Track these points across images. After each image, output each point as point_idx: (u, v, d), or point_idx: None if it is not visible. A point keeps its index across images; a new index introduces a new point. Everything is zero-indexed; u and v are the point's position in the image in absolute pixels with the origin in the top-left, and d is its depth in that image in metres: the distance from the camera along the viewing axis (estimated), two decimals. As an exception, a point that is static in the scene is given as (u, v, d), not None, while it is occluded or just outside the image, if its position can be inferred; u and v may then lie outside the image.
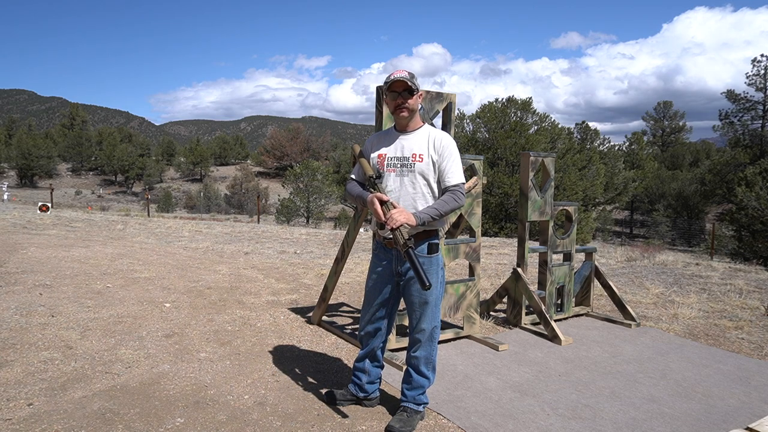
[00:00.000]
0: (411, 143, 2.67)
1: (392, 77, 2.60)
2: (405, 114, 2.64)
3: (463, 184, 2.64)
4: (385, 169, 2.68)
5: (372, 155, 2.75)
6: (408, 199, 2.62)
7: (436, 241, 2.69)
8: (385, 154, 2.70)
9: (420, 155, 2.63)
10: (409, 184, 2.63)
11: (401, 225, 2.42)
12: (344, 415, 2.81)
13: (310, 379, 3.28)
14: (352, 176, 2.86)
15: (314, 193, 31.96)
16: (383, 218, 2.48)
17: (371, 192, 2.62)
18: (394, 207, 2.51)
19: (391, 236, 2.52)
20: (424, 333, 2.71)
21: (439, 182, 2.67)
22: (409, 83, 2.57)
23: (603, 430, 2.78)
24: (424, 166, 2.62)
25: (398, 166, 2.65)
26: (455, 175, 2.62)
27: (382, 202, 2.52)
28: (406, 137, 2.69)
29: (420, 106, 3.69)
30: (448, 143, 2.66)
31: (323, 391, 3.06)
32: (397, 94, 2.61)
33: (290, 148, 69.57)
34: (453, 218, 4.03)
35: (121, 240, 9.45)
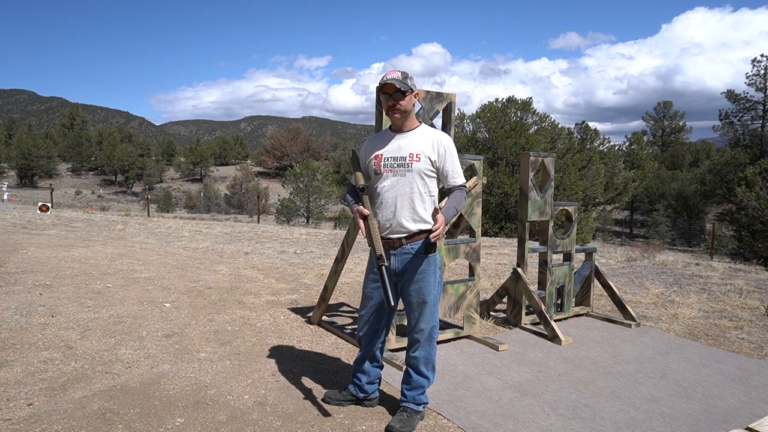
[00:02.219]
0: (408, 143, 2.66)
1: (384, 79, 2.60)
2: (398, 115, 2.64)
3: (465, 184, 2.70)
4: (381, 169, 2.68)
5: (369, 158, 2.74)
6: (405, 198, 2.62)
7: (433, 240, 2.69)
8: (382, 155, 2.69)
9: (417, 155, 2.62)
10: (406, 184, 2.63)
11: (443, 233, 2.53)
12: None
13: (310, 379, 3.28)
14: (351, 181, 2.87)
15: (314, 193, 31.94)
16: (365, 232, 2.64)
17: (357, 204, 2.69)
18: (375, 220, 2.64)
19: (390, 237, 2.66)
20: (422, 333, 2.71)
21: (438, 182, 2.70)
22: (399, 85, 2.57)
23: (603, 430, 2.78)
24: (422, 166, 2.62)
25: (395, 165, 2.65)
26: (459, 175, 2.68)
27: (364, 217, 2.63)
28: (403, 137, 2.69)
29: (420, 106, 3.71)
30: (448, 144, 2.68)
31: (323, 391, 3.07)
32: (388, 96, 2.62)
33: (290, 148, 69.55)
34: (453, 218, 4.02)
35: (121, 240, 9.45)
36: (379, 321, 2.82)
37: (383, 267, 2.49)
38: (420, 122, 2.76)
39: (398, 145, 2.68)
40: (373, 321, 2.81)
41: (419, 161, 2.62)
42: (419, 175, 2.62)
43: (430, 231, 2.69)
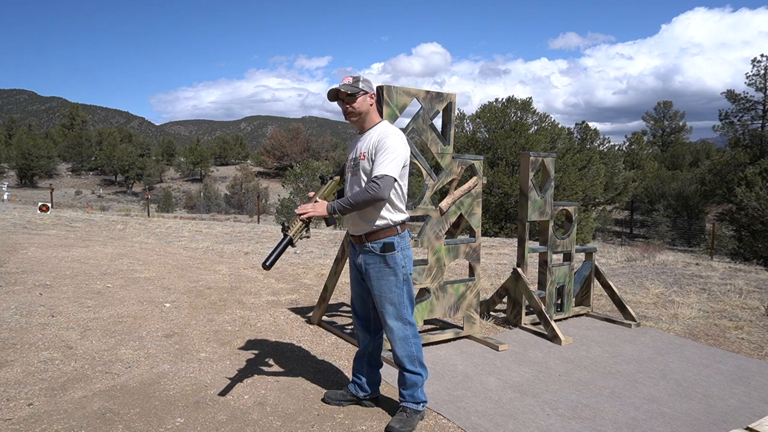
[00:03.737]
0: (362, 143, 2.72)
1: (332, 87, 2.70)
2: (353, 118, 2.71)
3: (388, 176, 2.53)
4: (347, 171, 2.78)
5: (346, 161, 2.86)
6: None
7: (391, 240, 2.66)
8: (349, 157, 2.80)
9: (364, 154, 2.67)
10: (357, 183, 2.68)
11: (307, 215, 2.58)
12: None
13: (310, 379, 3.28)
14: None
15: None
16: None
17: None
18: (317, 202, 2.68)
19: (354, 234, 2.74)
20: (393, 332, 2.71)
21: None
22: (345, 89, 2.62)
23: (603, 430, 2.78)
24: (365, 164, 2.65)
25: (352, 166, 2.74)
26: (380, 166, 2.54)
27: (309, 199, 2.71)
28: (361, 138, 2.76)
29: (420, 107, 3.71)
30: (385, 138, 2.61)
31: (323, 391, 3.07)
32: (342, 102, 2.69)
33: (290, 148, 69.54)
34: (453, 218, 4.02)
35: (121, 240, 9.45)
36: (366, 317, 2.86)
37: (287, 238, 2.57)
38: (381, 120, 2.77)
39: (358, 147, 2.74)
40: (362, 317, 2.88)
41: (364, 159, 2.66)
42: (364, 173, 2.65)
43: (390, 230, 2.66)
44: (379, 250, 2.66)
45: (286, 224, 2.61)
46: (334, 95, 2.71)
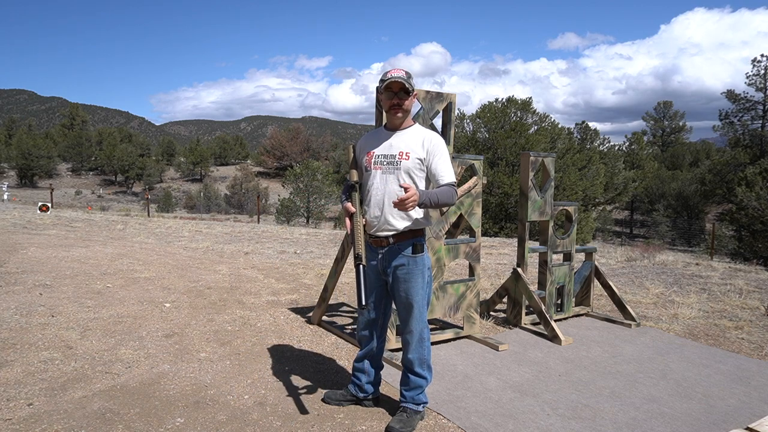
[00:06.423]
0: (399, 141, 2.67)
1: (389, 76, 2.59)
2: (400, 114, 2.65)
3: (456, 183, 2.65)
4: (371, 167, 2.68)
5: (362, 155, 2.76)
6: (393, 196, 2.61)
7: (421, 241, 2.69)
8: (373, 152, 2.70)
9: (407, 153, 2.62)
10: (395, 182, 2.63)
11: (413, 203, 2.37)
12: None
13: (310, 379, 3.28)
14: (348, 178, 2.89)
15: (314, 193, 31.92)
16: (349, 229, 2.61)
17: (348, 200, 2.68)
18: (362, 218, 2.61)
19: (378, 235, 2.66)
20: (412, 335, 2.72)
21: (428, 180, 2.68)
22: (406, 84, 2.57)
23: (603, 430, 2.78)
24: (411, 164, 2.62)
25: (384, 163, 2.65)
26: (448, 173, 2.62)
27: (350, 215, 2.61)
28: (396, 135, 2.70)
29: (420, 106, 3.71)
30: (438, 143, 2.65)
31: (323, 391, 3.07)
32: (393, 94, 2.61)
33: (290, 148, 69.57)
34: (453, 218, 4.02)
35: (121, 240, 9.45)
36: (375, 321, 2.83)
37: (360, 266, 2.48)
38: (414, 122, 2.77)
39: (390, 143, 2.68)
40: (370, 321, 2.83)
41: (408, 159, 2.62)
42: (407, 174, 2.62)
43: (419, 231, 2.68)
44: (411, 252, 2.64)
45: (357, 253, 2.49)
46: (388, 85, 2.58)
